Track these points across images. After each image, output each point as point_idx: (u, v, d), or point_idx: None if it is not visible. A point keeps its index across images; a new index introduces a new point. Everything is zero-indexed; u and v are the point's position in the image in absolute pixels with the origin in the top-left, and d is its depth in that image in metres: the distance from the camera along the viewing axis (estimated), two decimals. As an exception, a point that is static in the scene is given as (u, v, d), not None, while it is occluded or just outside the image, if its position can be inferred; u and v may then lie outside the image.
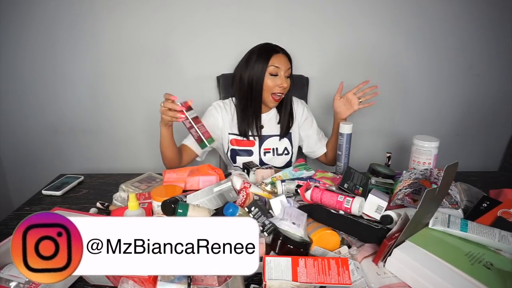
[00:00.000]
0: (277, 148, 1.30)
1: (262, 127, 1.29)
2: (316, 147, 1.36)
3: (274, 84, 1.18)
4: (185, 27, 1.60)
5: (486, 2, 1.62)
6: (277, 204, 0.84)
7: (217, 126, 1.28)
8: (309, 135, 1.36)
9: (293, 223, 0.76)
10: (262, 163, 1.29)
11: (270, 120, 1.32)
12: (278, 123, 1.31)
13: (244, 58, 1.23)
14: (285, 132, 1.30)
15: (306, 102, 1.56)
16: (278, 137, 1.31)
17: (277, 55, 1.18)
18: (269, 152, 1.30)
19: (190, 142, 1.24)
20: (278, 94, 1.19)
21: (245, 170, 1.15)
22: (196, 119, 1.01)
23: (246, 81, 1.20)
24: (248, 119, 1.24)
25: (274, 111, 1.32)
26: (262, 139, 1.29)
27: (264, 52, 1.18)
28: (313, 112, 1.43)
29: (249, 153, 1.28)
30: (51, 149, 1.78)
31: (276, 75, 1.17)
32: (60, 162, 1.79)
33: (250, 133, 1.27)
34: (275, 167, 1.27)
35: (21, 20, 1.56)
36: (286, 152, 1.31)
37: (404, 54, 1.69)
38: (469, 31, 1.66)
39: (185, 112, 0.98)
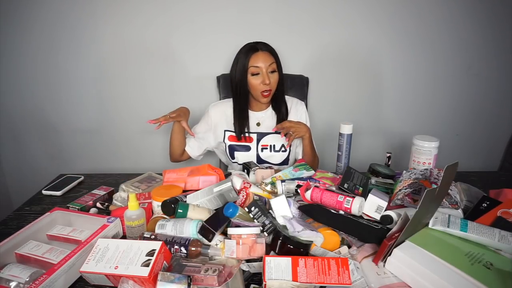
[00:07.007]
0: (274, 145, 1.32)
1: (258, 124, 1.33)
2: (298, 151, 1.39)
3: (257, 82, 1.22)
4: (186, 29, 1.61)
5: (485, 2, 1.62)
6: (277, 204, 0.84)
7: (210, 129, 1.34)
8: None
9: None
10: (259, 158, 1.31)
11: (267, 118, 1.34)
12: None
13: (234, 60, 1.27)
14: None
15: (306, 102, 1.57)
16: (276, 134, 1.33)
17: (256, 54, 1.21)
18: (267, 148, 1.32)
19: (188, 147, 1.32)
20: (265, 91, 1.23)
21: (245, 170, 1.15)
22: None
23: (234, 83, 1.27)
24: (239, 117, 1.30)
25: (270, 109, 1.35)
26: (257, 136, 1.32)
27: (244, 54, 1.22)
28: (312, 111, 1.43)
29: (247, 148, 1.31)
30: (51, 149, 1.78)
31: (258, 74, 1.21)
32: (60, 162, 1.79)
33: (243, 131, 1.31)
34: (273, 164, 1.30)
35: (24, 20, 1.56)
36: (283, 149, 1.32)
37: (404, 54, 1.69)
38: (468, 31, 1.66)
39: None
